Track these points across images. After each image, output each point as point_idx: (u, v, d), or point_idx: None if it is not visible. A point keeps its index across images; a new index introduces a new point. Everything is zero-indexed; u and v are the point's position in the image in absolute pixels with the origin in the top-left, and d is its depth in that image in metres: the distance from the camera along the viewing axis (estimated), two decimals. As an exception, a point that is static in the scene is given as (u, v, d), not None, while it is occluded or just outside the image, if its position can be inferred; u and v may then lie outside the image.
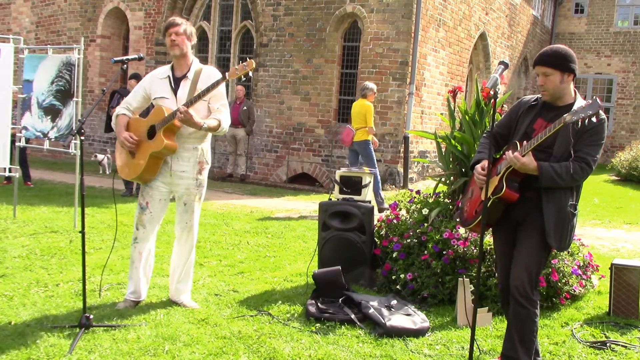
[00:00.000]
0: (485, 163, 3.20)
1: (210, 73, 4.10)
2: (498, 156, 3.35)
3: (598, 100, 2.83)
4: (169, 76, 4.11)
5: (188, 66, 4.10)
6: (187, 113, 3.85)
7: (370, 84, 9.16)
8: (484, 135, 3.46)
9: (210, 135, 4.18)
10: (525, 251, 3.12)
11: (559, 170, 2.99)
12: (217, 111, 4.08)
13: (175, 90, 4.06)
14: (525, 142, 3.08)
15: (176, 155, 4.06)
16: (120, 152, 4.20)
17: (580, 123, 2.82)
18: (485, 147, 3.34)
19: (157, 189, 4.14)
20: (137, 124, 4.13)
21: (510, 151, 3.09)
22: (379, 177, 9.01)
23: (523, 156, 3.01)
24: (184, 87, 4.06)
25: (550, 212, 3.05)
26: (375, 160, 9.12)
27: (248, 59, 4.03)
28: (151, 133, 4.00)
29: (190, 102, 3.92)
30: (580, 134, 3.00)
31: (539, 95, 3.27)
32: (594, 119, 2.82)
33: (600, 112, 3.03)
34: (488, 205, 3.10)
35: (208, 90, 3.95)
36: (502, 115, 3.53)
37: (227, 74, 4.02)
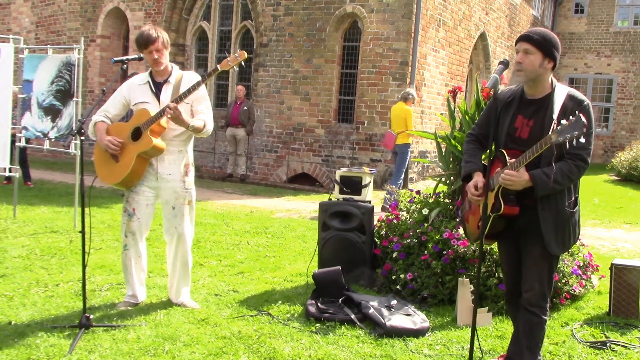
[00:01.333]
0: (477, 180, 3.09)
1: (191, 78, 4.09)
2: (485, 158, 3.22)
3: (582, 117, 2.66)
4: (148, 82, 4.07)
5: (168, 73, 4.09)
6: (177, 109, 3.83)
7: (413, 91, 9.74)
8: (468, 139, 3.33)
9: (193, 137, 4.18)
10: (533, 261, 3.03)
11: (553, 175, 2.84)
12: (202, 113, 4.07)
13: (157, 95, 4.03)
14: (512, 159, 2.93)
15: (162, 158, 4.03)
16: (101, 159, 4.08)
17: (567, 144, 2.67)
18: (472, 154, 3.23)
19: (143, 194, 4.09)
20: (119, 128, 4.06)
21: (500, 171, 2.95)
22: (401, 181, 9.26)
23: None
24: (166, 91, 4.04)
25: (548, 219, 2.94)
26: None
27: (239, 50, 4.03)
28: (135, 135, 3.95)
29: (179, 98, 3.90)
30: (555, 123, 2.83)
31: (514, 87, 3.14)
32: (582, 140, 2.66)
33: (582, 98, 2.91)
34: (489, 222, 3.00)
35: (199, 84, 3.93)
36: (480, 114, 3.39)
37: (218, 65, 4.00)
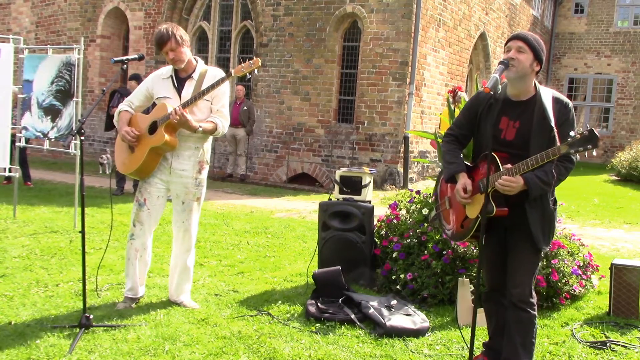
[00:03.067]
0: (465, 183, 3.12)
1: (216, 74, 4.09)
2: (465, 157, 3.26)
3: (595, 130, 2.69)
4: (171, 76, 4.10)
5: (193, 68, 4.10)
6: (183, 116, 3.83)
7: None
8: (447, 140, 3.33)
9: (211, 135, 4.18)
10: (521, 259, 3.09)
11: (545, 178, 2.92)
12: (217, 113, 4.08)
13: (179, 90, 4.05)
14: (507, 165, 2.95)
15: (177, 153, 4.06)
16: (120, 147, 4.19)
17: (578, 155, 2.77)
18: (454, 155, 3.25)
19: (155, 186, 4.13)
20: (140, 119, 4.13)
21: (496, 175, 2.96)
22: None
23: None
24: (189, 87, 4.05)
25: (536, 218, 3.02)
26: None
27: (255, 57, 4.04)
28: (152, 128, 3.99)
29: (187, 103, 3.92)
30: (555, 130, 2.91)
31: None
32: (594, 153, 2.73)
33: (566, 100, 2.99)
34: (477, 223, 3.04)
35: (209, 89, 3.94)
36: (458, 115, 3.43)
37: (232, 70, 4.03)
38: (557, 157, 2.80)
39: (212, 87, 3.94)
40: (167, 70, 4.16)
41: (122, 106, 4.19)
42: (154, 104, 4.23)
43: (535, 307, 3.13)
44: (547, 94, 3.02)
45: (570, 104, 3.03)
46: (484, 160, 3.08)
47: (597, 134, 2.68)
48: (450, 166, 3.24)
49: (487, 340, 3.48)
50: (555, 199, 3.13)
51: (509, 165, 2.94)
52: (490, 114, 3.11)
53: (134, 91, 4.24)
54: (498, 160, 2.99)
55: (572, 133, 2.73)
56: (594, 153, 2.74)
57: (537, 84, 3.09)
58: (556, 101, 2.99)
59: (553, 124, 2.91)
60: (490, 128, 3.08)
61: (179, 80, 4.08)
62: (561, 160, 2.93)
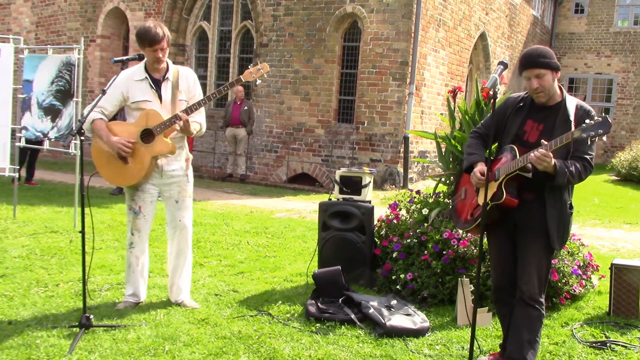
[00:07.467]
0: (483, 167, 3.19)
1: (187, 74, 4.14)
2: (487, 156, 3.32)
3: (608, 118, 2.82)
4: (146, 78, 4.01)
5: (166, 68, 4.06)
6: (187, 121, 3.89)
7: None
8: (472, 135, 3.46)
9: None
10: (533, 255, 3.12)
11: (572, 169, 2.97)
12: (196, 113, 4.08)
13: (158, 93, 4.01)
14: (519, 154, 3.05)
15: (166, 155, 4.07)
16: (103, 158, 4.01)
17: (589, 140, 2.82)
18: (476, 148, 3.35)
19: (148, 192, 4.11)
20: (121, 128, 4.00)
21: (526, 155, 3.00)
22: None
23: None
24: (166, 89, 4.04)
25: (554, 217, 3.07)
26: None
27: (260, 62, 4.08)
28: (145, 136, 3.94)
29: (190, 110, 3.94)
30: None
31: (524, 94, 3.27)
32: (604, 138, 2.83)
33: (590, 108, 3.08)
34: (485, 210, 3.08)
35: (220, 91, 4.04)
36: (487, 115, 3.51)
37: (241, 76, 4.07)
38: (569, 140, 2.87)
39: (220, 91, 4.06)
40: (137, 71, 4.03)
41: (95, 114, 3.92)
42: (122, 109, 4.16)
43: (544, 306, 3.17)
44: (572, 102, 3.12)
45: (593, 112, 3.09)
46: (503, 152, 3.17)
47: (610, 121, 2.79)
48: (470, 157, 3.34)
49: (502, 341, 3.50)
50: (571, 203, 3.17)
51: (546, 143, 2.98)
52: (517, 117, 3.21)
53: (105, 96, 3.87)
54: (517, 151, 3.08)
55: (587, 120, 2.83)
56: (604, 139, 2.82)
57: (563, 90, 3.18)
58: (579, 108, 3.09)
59: (573, 127, 2.99)
60: (515, 129, 3.19)
61: (155, 82, 4.02)
62: (582, 160, 3.00)
